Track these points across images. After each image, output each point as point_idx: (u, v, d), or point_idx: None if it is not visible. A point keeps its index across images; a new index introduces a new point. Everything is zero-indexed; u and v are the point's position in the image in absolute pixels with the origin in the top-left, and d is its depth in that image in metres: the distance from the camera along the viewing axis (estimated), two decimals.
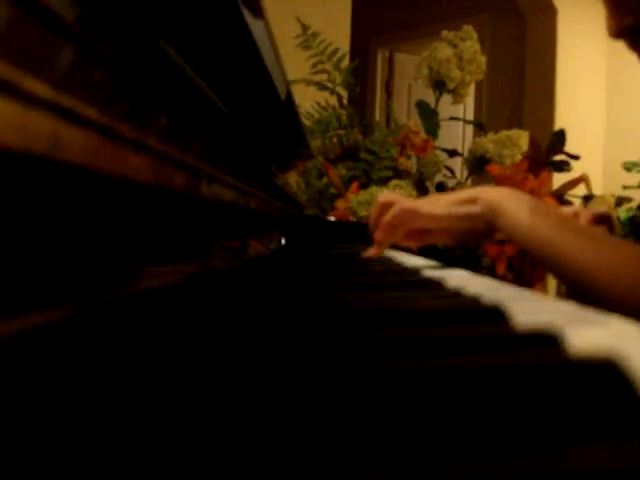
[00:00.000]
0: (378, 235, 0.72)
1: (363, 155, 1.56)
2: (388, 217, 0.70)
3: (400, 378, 0.14)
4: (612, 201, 1.92)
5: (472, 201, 0.64)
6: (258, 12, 0.44)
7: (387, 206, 0.72)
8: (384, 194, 0.77)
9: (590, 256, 0.51)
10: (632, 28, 0.51)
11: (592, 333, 0.25)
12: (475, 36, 1.64)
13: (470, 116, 3.77)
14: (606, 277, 0.50)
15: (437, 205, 0.67)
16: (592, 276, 0.50)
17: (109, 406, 0.13)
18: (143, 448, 0.11)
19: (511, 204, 0.59)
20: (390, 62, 4.36)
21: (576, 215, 0.77)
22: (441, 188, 1.61)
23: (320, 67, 1.66)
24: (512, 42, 3.80)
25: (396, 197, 0.73)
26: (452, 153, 1.75)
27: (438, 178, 1.63)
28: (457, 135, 3.62)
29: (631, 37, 0.52)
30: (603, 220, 0.76)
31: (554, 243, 0.54)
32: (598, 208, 0.83)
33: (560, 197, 1.57)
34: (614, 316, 0.27)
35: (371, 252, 0.73)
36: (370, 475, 0.11)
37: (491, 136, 1.61)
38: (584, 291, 0.52)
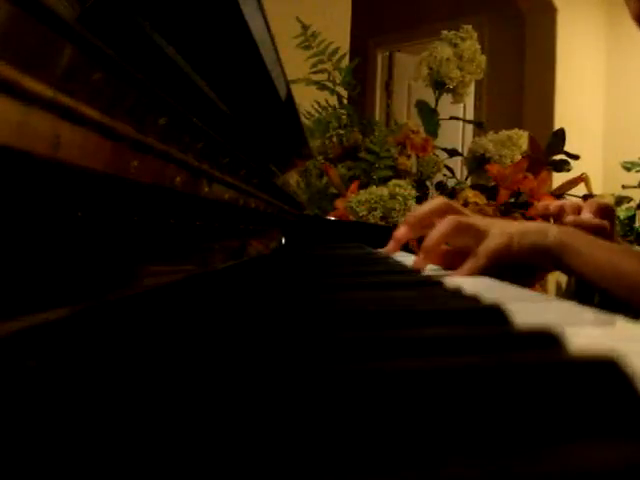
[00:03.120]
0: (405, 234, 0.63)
1: (363, 155, 1.56)
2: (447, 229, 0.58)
3: (400, 378, 0.14)
4: (612, 200, 1.92)
5: (541, 233, 0.58)
6: (258, 12, 0.44)
7: (441, 212, 0.63)
8: (442, 200, 0.65)
9: None
10: None
11: (593, 332, 0.25)
12: (475, 36, 1.64)
13: (470, 116, 3.77)
14: None
15: (505, 235, 0.58)
16: None
17: (108, 405, 0.13)
18: (141, 445, 0.12)
19: (583, 245, 0.56)
20: (390, 62, 4.35)
21: (579, 207, 0.73)
22: (441, 188, 1.61)
23: (320, 67, 1.66)
24: (512, 41, 3.80)
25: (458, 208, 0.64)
26: (452, 153, 1.76)
27: (438, 178, 1.63)
28: (457, 135, 3.62)
29: None
30: (607, 212, 0.73)
31: None
32: (602, 200, 0.80)
33: (559, 197, 1.57)
34: (615, 316, 0.27)
35: (389, 249, 0.66)
36: (372, 474, 0.11)
37: (491, 136, 1.61)
38: None
